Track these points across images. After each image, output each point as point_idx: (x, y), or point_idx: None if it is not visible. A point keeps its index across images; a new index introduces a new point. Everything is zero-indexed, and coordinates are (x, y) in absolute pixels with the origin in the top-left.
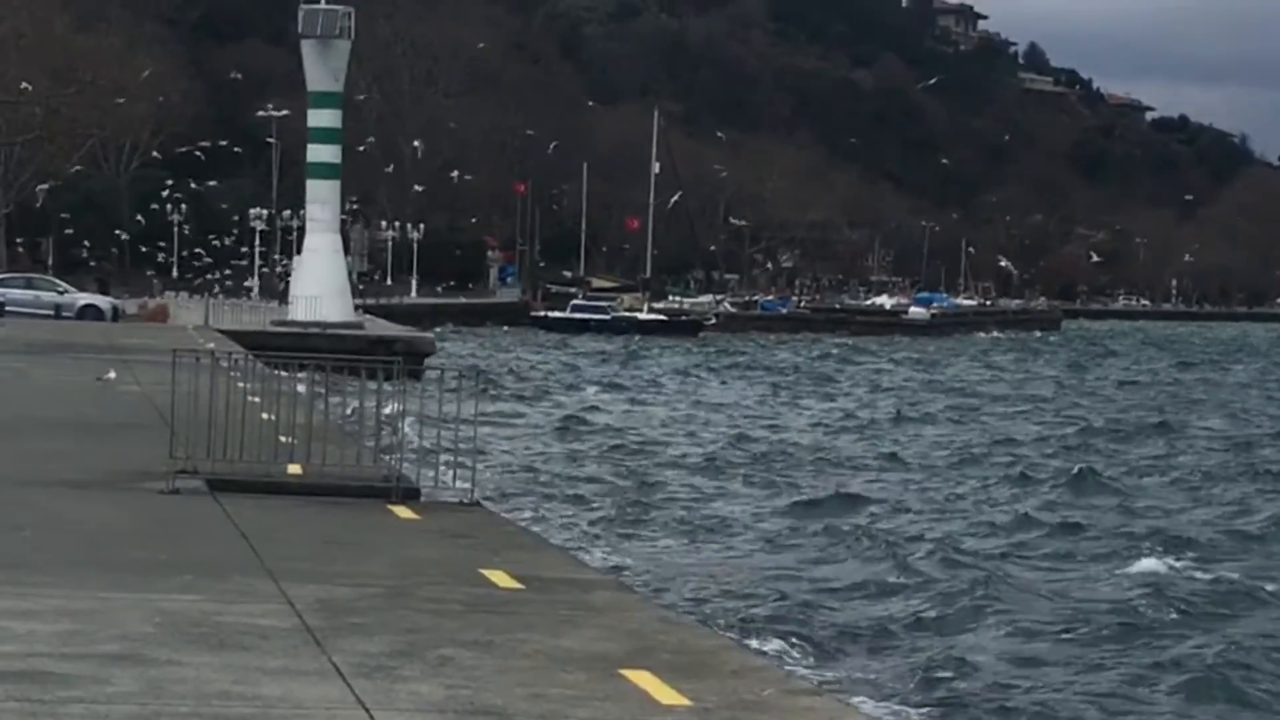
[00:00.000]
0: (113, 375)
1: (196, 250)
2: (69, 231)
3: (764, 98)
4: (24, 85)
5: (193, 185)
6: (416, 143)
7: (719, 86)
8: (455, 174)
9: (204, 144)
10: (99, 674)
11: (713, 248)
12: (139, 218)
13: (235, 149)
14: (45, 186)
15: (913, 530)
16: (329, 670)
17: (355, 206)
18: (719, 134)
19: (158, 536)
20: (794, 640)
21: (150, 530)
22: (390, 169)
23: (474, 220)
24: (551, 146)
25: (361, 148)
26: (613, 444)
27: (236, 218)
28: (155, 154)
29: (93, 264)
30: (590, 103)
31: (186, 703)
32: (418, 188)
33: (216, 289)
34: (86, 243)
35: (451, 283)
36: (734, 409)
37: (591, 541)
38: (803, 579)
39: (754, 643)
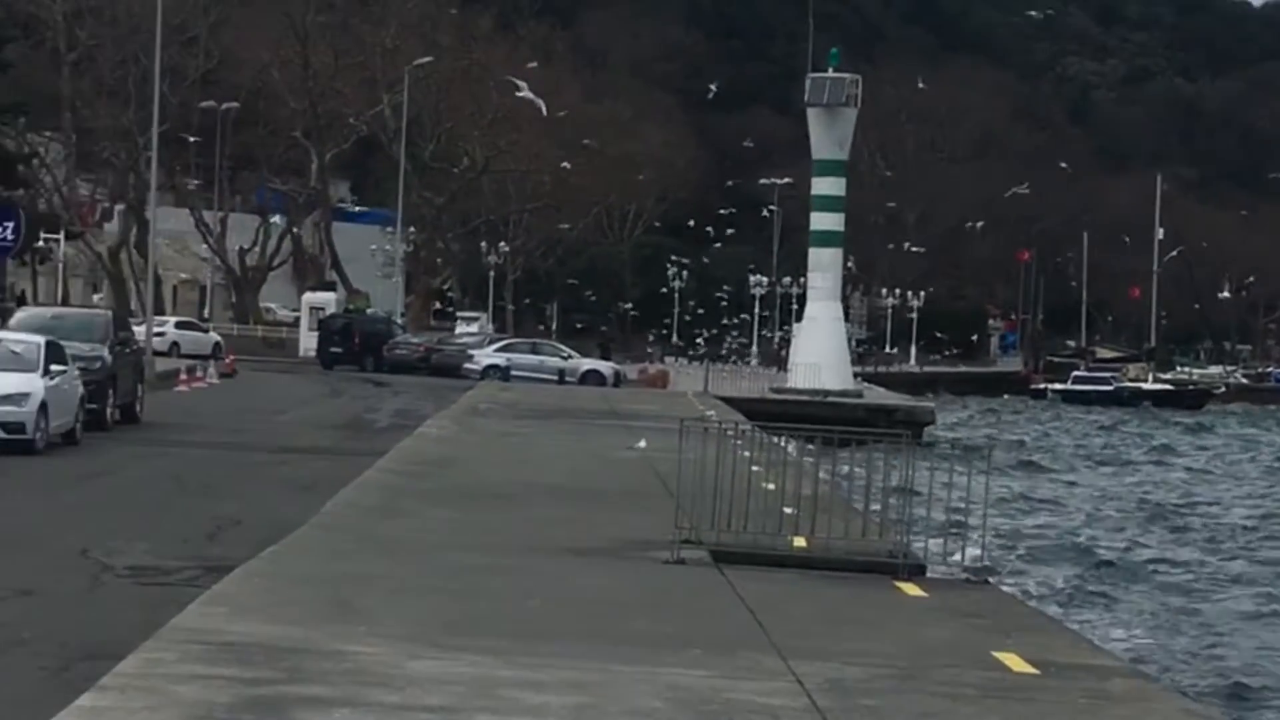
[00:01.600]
0: (644, 444)
1: (699, 312)
2: (592, 296)
3: None
4: (565, 165)
5: (694, 253)
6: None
7: (1236, 152)
8: (962, 239)
9: (717, 211)
10: None
11: (1196, 302)
12: (665, 289)
13: (737, 215)
14: (505, 247)
15: None
16: None
17: (855, 273)
18: (1240, 208)
19: (664, 608)
20: None
21: (656, 601)
22: (894, 240)
23: (974, 288)
24: (1054, 213)
25: (861, 214)
26: (1115, 517)
27: (740, 278)
28: (656, 222)
29: (587, 327)
30: (1098, 170)
31: None
32: (919, 251)
33: (730, 355)
34: (598, 306)
35: (950, 351)
36: (1238, 482)
37: (1100, 621)
38: None
39: None
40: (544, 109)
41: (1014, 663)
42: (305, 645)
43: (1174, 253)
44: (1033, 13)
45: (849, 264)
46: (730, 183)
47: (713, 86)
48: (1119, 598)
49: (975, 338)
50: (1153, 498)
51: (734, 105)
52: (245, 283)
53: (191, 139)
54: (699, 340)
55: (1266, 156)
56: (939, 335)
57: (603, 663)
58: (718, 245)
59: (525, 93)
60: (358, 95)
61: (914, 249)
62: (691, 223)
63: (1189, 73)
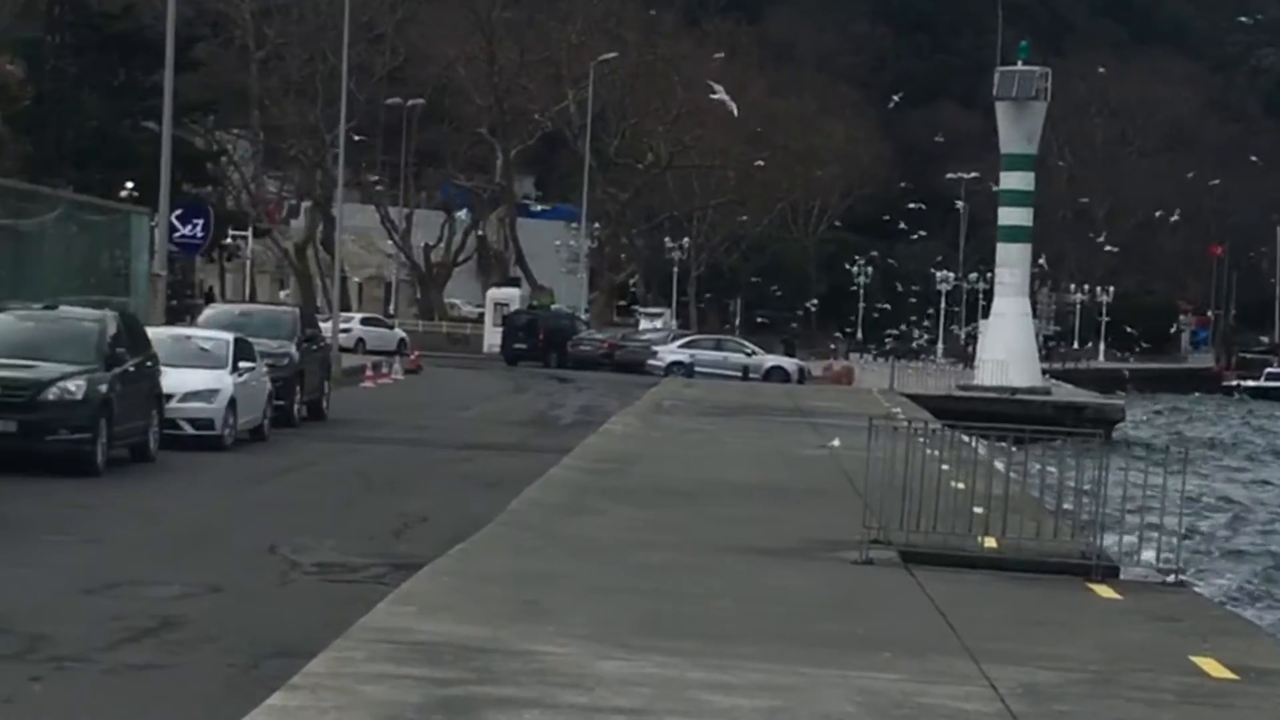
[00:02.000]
0: (837, 443)
1: (885, 308)
2: (777, 291)
3: None
4: (758, 162)
5: (880, 248)
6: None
7: None
8: (1152, 233)
9: (903, 206)
10: None
11: None
12: (852, 285)
13: (923, 210)
14: (689, 243)
15: None
16: None
17: (1043, 269)
18: None
19: (854, 609)
20: None
21: (845, 602)
22: (1083, 234)
23: (1164, 283)
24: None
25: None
26: None
27: (926, 274)
28: (837, 221)
29: (771, 323)
30: None
31: None
32: (1109, 249)
33: (921, 350)
34: (782, 302)
35: (1140, 347)
36: None
37: None
38: None
39: None
40: (736, 111)
41: (1212, 668)
42: (494, 645)
43: None
44: (1243, 19)
45: (1039, 260)
46: (909, 182)
47: (895, 97)
48: None
49: (1173, 330)
50: None
51: (920, 99)
52: (430, 279)
53: (361, 137)
54: (888, 337)
55: None
56: (1129, 331)
57: (792, 665)
58: (913, 238)
59: (720, 95)
60: (543, 91)
61: (1107, 247)
62: (886, 217)
63: None
